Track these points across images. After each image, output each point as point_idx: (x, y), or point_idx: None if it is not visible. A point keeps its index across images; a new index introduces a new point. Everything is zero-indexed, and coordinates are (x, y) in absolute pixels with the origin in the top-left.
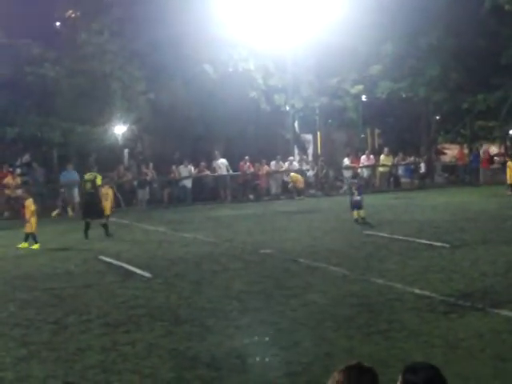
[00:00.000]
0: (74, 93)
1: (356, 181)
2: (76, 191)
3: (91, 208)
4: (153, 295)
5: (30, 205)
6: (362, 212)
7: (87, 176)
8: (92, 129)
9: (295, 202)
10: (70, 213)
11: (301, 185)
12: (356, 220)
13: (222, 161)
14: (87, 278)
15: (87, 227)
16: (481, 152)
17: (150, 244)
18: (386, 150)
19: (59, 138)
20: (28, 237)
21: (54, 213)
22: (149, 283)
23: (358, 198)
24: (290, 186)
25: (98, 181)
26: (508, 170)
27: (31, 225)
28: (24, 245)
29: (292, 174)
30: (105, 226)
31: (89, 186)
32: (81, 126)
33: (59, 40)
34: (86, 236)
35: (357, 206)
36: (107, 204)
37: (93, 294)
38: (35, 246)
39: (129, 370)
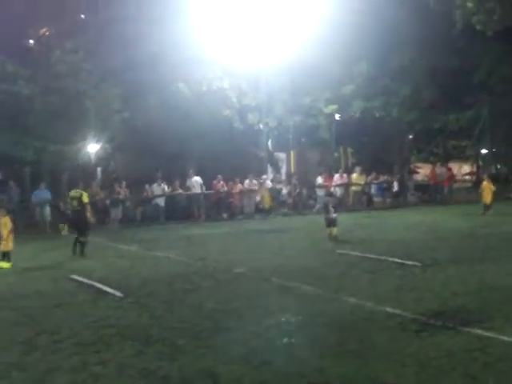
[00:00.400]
0: (48, 111)
1: (332, 199)
2: (48, 210)
3: (76, 225)
4: (124, 315)
5: (6, 222)
6: (335, 230)
7: (73, 193)
8: (65, 147)
9: (269, 221)
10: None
11: (267, 205)
12: (335, 237)
13: (196, 179)
14: (58, 297)
15: (76, 244)
16: (445, 172)
17: (122, 263)
18: (358, 169)
19: (32, 157)
20: (4, 255)
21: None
22: (120, 303)
23: (334, 215)
24: (261, 205)
25: (84, 198)
26: (485, 190)
27: (7, 243)
28: (2, 264)
29: (257, 195)
30: (84, 244)
31: (75, 203)
32: (54, 145)
33: (33, 58)
34: (74, 251)
35: (332, 223)
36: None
37: (63, 314)
38: (7, 265)
39: None
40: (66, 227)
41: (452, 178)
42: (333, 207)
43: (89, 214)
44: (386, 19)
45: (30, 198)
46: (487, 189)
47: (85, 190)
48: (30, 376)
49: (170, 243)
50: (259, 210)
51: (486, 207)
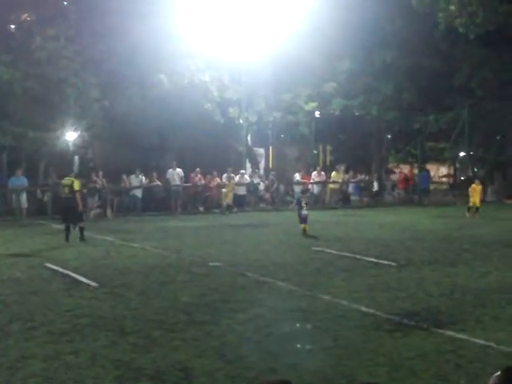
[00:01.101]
0: (28, 97)
1: (307, 195)
2: (25, 197)
3: (69, 212)
4: (98, 305)
5: None
6: (307, 226)
7: (65, 181)
8: (44, 134)
9: (246, 216)
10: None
11: (229, 200)
12: (304, 233)
13: (178, 171)
14: (33, 285)
15: (68, 231)
16: (397, 175)
17: (97, 253)
18: (339, 166)
19: (10, 142)
20: None
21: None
22: (95, 292)
23: (306, 212)
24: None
25: (76, 185)
26: (473, 193)
27: None
28: None
29: (223, 189)
30: (82, 229)
31: (66, 190)
32: (33, 131)
33: (14, 43)
34: (67, 239)
35: (305, 220)
36: None
37: (38, 302)
38: None
39: (71, 379)
40: None
41: (405, 180)
42: (306, 204)
43: (79, 201)
44: (370, 17)
45: (6, 184)
46: (477, 191)
47: (76, 177)
48: (2, 363)
49: (146, 235)
50: (237, 204)
51: (476, 209)
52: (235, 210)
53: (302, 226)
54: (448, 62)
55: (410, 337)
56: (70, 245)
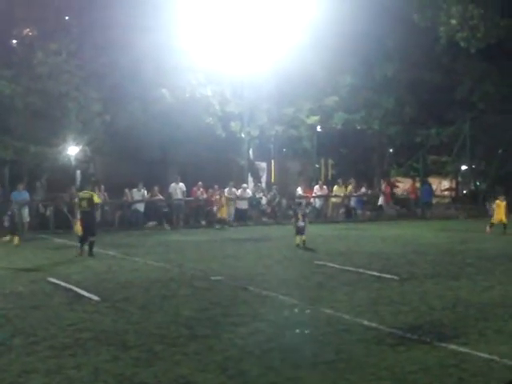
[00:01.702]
0: (29, 112)
1: (302, 207)
2: (27, 211)
3: (85, 226)
4: (100, 319)
5: None
6: (303, 237)
7: (83, 194)
8: (45, 149)
9: (248, 230)
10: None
11: (224, 214)
12: (298, 245)
13: (181, 185)
14: (35, 299)
15: (83, 244)
16: (382, 187)
17: (99, 267)
18: (348, 180)
19: (12, 157)
20: None
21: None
22: (97, 307)
23: (302, 224)
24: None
25: (95, 199)
26: (497, 210)
27: None
28: None
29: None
30: (92, 244)
31: (85, 204)
32: (34, 146)
33: (16, 58)
34: (81, 251)
35: (301, 231)
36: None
37: (40, 316)
38: None
39: None
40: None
41: (389, 194)
42: (302, 215)
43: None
44: (371, 31)
45: (9, 198)
46: (501, 207)
47: (93, 190)
48: (4, 378)
49: (148, 249)
50: (239, 218)
51: (504, 226)
52: (226, 226)
53: (298, 237)
54: (449, 76)
55: (412, 351)
56: (71, 259)
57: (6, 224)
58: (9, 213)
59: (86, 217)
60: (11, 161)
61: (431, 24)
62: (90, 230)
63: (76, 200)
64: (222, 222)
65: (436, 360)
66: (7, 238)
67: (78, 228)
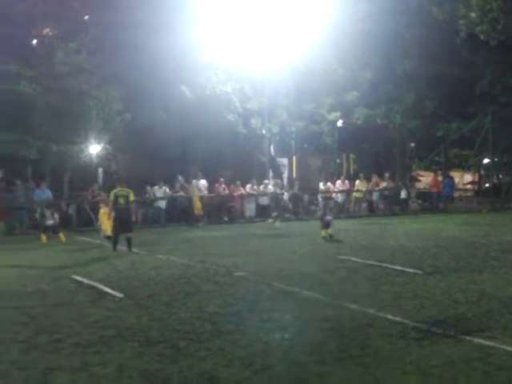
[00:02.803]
0: (50, 111)
1: (329, 202)
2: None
3: (123, 222)
4: (124, 316)
5: None
6: (330, 230)
7: (120, 191)
8: (67, 147)
9: (270, 225)
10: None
11: (200, 211)
12: (324, 238)
13: (203, 182)
14: (58, 297)
15: (117, 241)
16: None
17: (122, 264)
18: (374, 175)
19: (34, 156)
20: None
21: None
22: (120, 304)
23: (330, 217)
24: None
25: (131, 196)
26: None
27: None
28: None
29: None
30: (130, 240)
31: (122, 201)
32: (56, 145)
33: (36, 58)
34: (115, 249)
35: (327, 224)
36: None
37: (64, 314)
38: None
39: None
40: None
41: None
42: (329, 209)
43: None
44: (390, 26)
45: (33, 197)
46: None
47: (129, 188)
48: (29, 375)
49: (171, 245)
50: (261, 214)
51: None
52: (200, 224)
53: (324, 231)
54: (470, 70)
55: (437, 345)
56: (94, 257)
57: (51, 222)
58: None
59: (124, 214)
60: (34, 160)
61: (450, 17)
62: (127, 226)
63: (111, 197)
64: (197, 219)
65: (461, 354)
66: (61, 235)
67: (106, 227)
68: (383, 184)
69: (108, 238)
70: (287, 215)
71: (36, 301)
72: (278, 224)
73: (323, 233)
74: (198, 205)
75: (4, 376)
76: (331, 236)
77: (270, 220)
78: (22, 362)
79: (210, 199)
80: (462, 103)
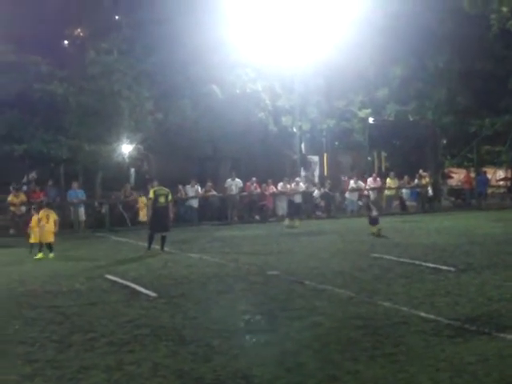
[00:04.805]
0: (82, 111)
1: (368, 199)
2: (82, 210)
3: (163, 221)
4: (158, 315)
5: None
6: (376, 227)
7: (160, 190)
8: (99, 147)
9: (302, 224)
10: None
11: (143, 217)
12: (373, 234)
13: (238, 181)
14: (92, 296)
15: (152, 240)
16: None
17: (155, 263)
18: (392, 173)
19: (66, 155)
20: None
21: None
22: (154, 303)
23: (376, 213)
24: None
25: (170, 196)
26: None
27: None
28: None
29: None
30: (164, 239)
31: (163, 200)
32: (88, 144)
33: (68, 58)
34: (150, 248)
35: (375, 221)
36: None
37: (98, 313)
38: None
39: None
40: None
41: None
42: (374, 205)
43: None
44: (421, 22)
45: (65, 197)
46: None
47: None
48: (64, 374)
49: (203, 244)
50: (293, 212)
51: None
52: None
53: (373, 228)
54: (502, 64)
55: (471, 342)
56: (128, 256)
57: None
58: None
59: (163, 212)
60: (66, 160)
61: (482, 12)
62: (164, 225)
63: (151, 195)
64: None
65: (495, 351)
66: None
67: (33, 235)
68: (415, 181)
69: (32, 245)
70: (318, 213)
71: (70, 300)
72: (297, 223)
73: (373, 229)
74: (143, 211)
75: (40, 374)
76: (379, 231)
77: (286, 223)
78: (57, 360)
79: (242, 198)
80: (495, 98)
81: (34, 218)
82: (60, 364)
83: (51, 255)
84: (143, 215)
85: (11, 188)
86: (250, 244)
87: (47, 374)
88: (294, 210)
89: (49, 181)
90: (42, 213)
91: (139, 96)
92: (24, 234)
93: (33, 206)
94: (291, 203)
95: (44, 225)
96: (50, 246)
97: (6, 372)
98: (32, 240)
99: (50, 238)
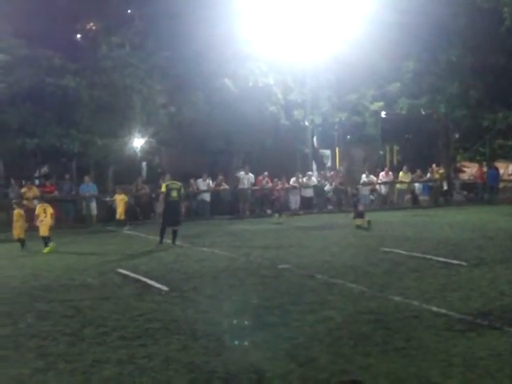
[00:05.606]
0: (95, 105)
1: (358, 192)
2: (94, 204)
3: (175, 215)
4: (169, 309)
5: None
6: (359, 220)
7: (173, 184)
8: (111, 141)
9: (313, 218)
10: None
11: (119, 216)
12: (357, 226)
13: (251, 175)
14: (104, 290)
15: (164, 233)
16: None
17: (167, 257)
18: (404, 167)
19: (78, 149)
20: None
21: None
22: (165, 297)
23: (362, 208)
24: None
25: (183, 190)
26: None
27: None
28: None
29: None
30: (175, 233)
31: (175, 194)
32: (100, 138)
33: (80, 52)
34: (162, 242)
35: (360, 214)
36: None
37: (110, 307)
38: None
39: (145, 383)
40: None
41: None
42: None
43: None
44: (433, 16)
45: (77, 191)
46: None
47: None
48: (76, 367)
49: (215, 238)
50: (305, 206)
51: None
52: (126, 227)
53: (358, 220)
54: None
55: (483, 336)
56: (139, 250)
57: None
58: None
59: (175, 206)
60: (78, 154)
61: (494, 6)
62: (176, 219)
63: (163, 189)
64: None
65: (507, 346)
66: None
67: (18, 230)
68: (427, 175)
69: (19, 240)
70: (330, 207)
71: (83, 294)
72: (280, 219)
73: (357, 221)
74: (119, 210)
75: (52, 368)
76: (369, 223)
77: (276, 216)
78: (69, 354)
79: (253, 192)
80: (508, 92)
81: (16, 213)
82: (72, 358)
83: (46, 250)
84: (120, 213)
85: (23, 181)
86: (261, 238)
87: (59, 367)
88: (306, 204)
89: (65, 175)
90: (39, 208)
91: (151, 90)
92: (34, 227)
93: (13, 201)
94: (302, 198)
95: (43, 219)
96: (45, 240)
97: (19, 366)
98: (15, 236)
99: (47, 232)
